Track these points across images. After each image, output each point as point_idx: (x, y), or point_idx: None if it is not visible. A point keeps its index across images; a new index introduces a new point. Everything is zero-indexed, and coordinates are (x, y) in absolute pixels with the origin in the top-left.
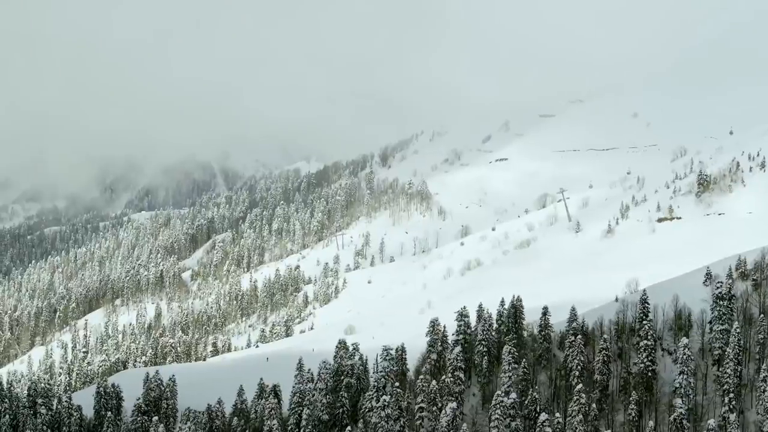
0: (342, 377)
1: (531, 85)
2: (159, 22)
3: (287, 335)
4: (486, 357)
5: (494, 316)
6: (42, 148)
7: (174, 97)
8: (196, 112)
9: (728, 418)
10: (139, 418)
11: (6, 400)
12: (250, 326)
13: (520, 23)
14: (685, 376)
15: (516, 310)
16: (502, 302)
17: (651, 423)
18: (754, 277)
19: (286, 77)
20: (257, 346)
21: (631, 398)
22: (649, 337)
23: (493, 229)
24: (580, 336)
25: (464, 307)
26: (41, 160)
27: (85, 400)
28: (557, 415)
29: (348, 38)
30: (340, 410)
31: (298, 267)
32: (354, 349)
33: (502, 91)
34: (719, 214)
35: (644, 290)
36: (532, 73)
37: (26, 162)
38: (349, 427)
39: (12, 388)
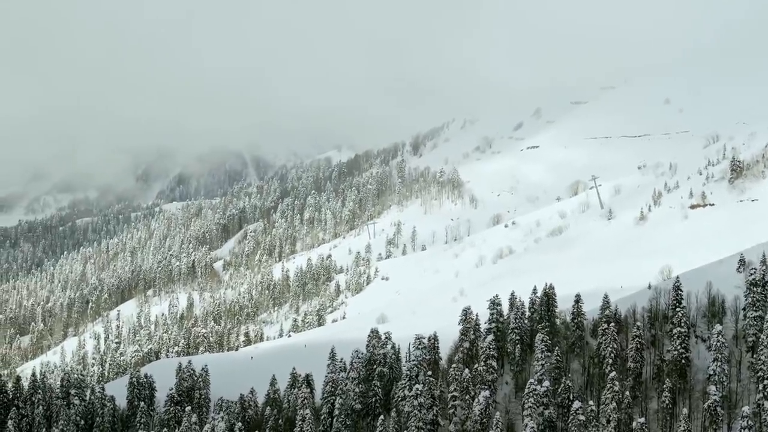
0: (374, 366)
1: (563, 72)
2: (190, 7)
3: (319, 324)
4: (519, 345)
5: (527, 304)
6: (74, 139)
7: (205, 87)
8: (227, 102)
9: (763, 405)
10: (172, 408)
11: (39, 391)
12: (282, 316)
13: (552, 9)
14: (719, 363)
15: (548, 298)
16: (535, 290)
17: (685, 410)
18: None
19: (317, 65)
20: (289, 336)
21: (664, 386)
22: (682, 324)
23: (513, 223)
24: (613, 323)
25: (497, 295)
26: (73, 152)
27: (118, 390)
28: (590, 402)
29: (381, 24)
30: (373, 399)
31: (329, 256)
32: (386, 337)
33: (533, 78)
34: (752, 200)
35: (677, 277)
36: (563, 59)
37: (58, 153)
38: (381, 416)
39: (45, 379)
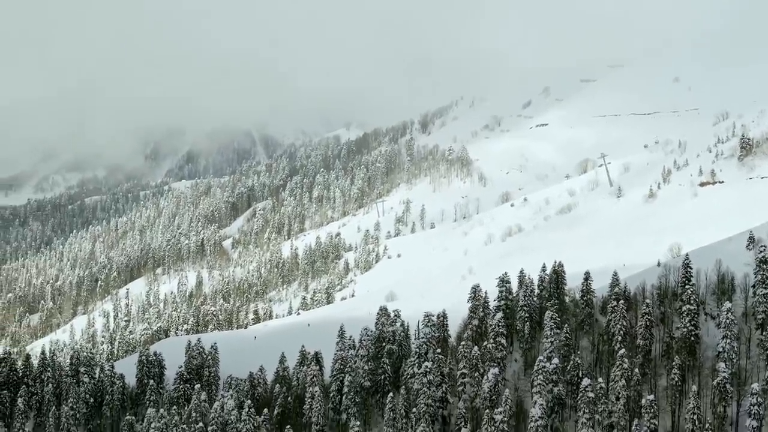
0: (383, 344)
1: (571, 50)
2: None
3: (328, 302)
4: (528, 323)
5: (536, 282)
6: (83, 118)
7: (214, 65)
8: (236, 80)
9: None
10: (181, 386)
11: (49, 369)
12: (291, 294)
13: None
14: (728, 341)
15: (557, 276)
16: (544, 268)
17: (694, 387)
18: None
19: (327, 44)
20: (298, 314)
21: (673, 363)
22: (691, 302)
23: (525, 199)
24: (622, 301)
25: (506, 273)
26: (82, 131)
27: (128, 368)
28: (599, 380)
29: (391, 2)
30: (382, 377)
31: (338, 234)
32: (395, 315)
33: (542, 56)
34: (762, 178)
35: (687, 255)
36: (572, 37)
37: (67, 132)
38: (390, 394)
39: (55, 357)
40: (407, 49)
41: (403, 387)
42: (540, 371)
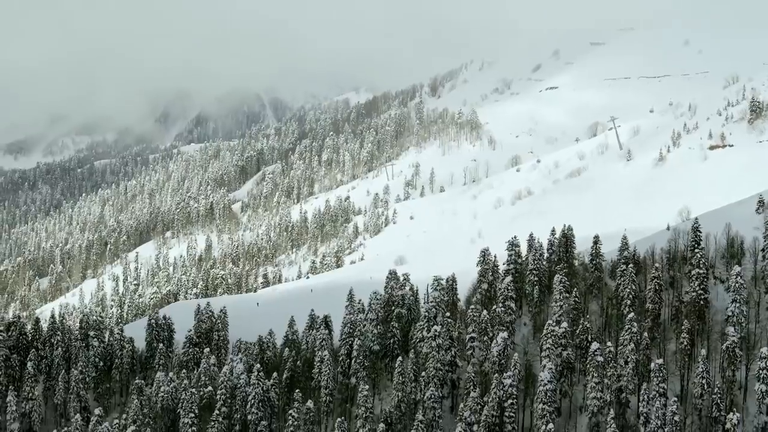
0: (393, 308)
1: (581, 13)
2: None
3: (338, 266)
4: (537, 286)
5: (545, 246)
6: (93, 81)
7: (224, 28)
8: (245, 43)
9: None
10: (190, 350)
11: (58, 332)
12: (300, 257)
13: None
14: (737, 305)
15: (567, 240)
16: (553, 231)
17: (703, 351)
18: None
19: (336, 6)
20: (308, 278)
21: (683, 327)
22: (701, 266)
23: (539, 161)
24: (631, 265)
25: (515, 237)
26: (92, 94)
27: (137, 332)
28: (608, 344)
29: None
30: (391, 340)
31: (348, 198)
32: (405, 279)
33: (552, 19)
34: None
35: (696, 218)
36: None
37: (77, 96)
38: (400, 358)
39: (64, 320)
40: (417, 12)
41: (412, 351)
42: (549, 335)
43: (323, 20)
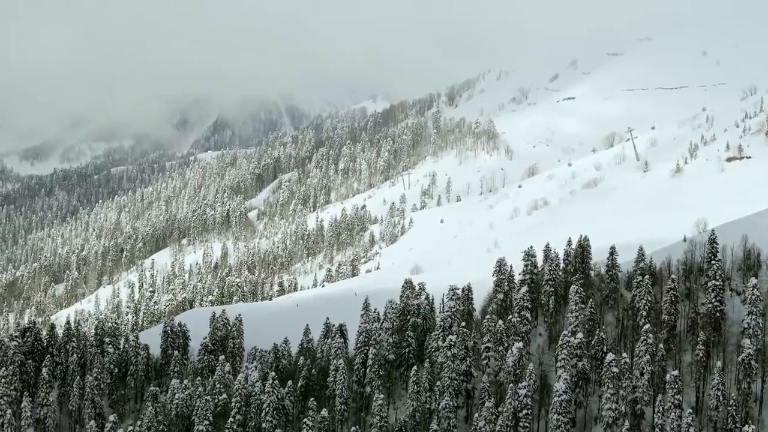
0: (408, 317)
1: (599, 23)
2: None
3: (353, 275)
4: (553, 297)
5: (561, 256)
6: (110, 86)
7: (242, 33)
8: (264, 49)
9: None
10: (205, 357)
11: (74, 339)
12: (316, 266)
13: None
14: (753, 317)
15: (583, 250)
16: (569, 242)
17: (719, 363)
18: None
19: (355, 12)
20: (323, 286)
21: (698, 339)
22: (717, 277)
23: (552, 174)
24: (647, 276)
25: (531, 247)
26: (110, 99)
27: (152, 339)
28: (624, 355)
29: None
30: (406, 350)
31: (364, 206)
32: (420, 288)
33: (570, 29)
34: None
35: (713, 230)
36: (600, 10)
37: (94, 101)
38: (415, 367)
39: (79, 327)
40: (435, 21)
41: (428, 360)
42: (564, 346)
43: (341, 25)
